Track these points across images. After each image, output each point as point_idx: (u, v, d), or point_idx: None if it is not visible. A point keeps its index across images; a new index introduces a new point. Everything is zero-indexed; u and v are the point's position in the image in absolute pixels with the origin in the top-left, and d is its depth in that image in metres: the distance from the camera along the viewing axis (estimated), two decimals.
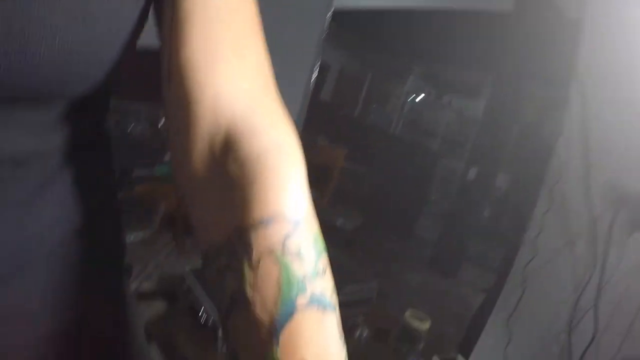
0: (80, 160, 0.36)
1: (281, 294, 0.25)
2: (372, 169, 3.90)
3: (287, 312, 0.25)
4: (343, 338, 0.27)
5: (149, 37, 0.35)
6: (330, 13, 1.82)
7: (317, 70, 1.89)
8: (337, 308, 0.27)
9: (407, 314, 1.31)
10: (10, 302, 0.33)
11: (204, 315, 1.19)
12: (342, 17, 2.45)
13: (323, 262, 0.28)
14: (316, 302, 0.26)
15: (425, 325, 1.30)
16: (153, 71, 0.34)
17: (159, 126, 1.68)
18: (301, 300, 0.25)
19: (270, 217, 0.26)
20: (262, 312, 0.25)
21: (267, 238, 0.26)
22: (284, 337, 0.25)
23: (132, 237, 1.38)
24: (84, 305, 0.39)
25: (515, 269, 1.65)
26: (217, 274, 0.28)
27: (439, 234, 3.91)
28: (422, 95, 6.72)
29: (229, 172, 0.28)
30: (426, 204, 4.84)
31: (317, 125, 3.38)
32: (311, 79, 1.87)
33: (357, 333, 1.32)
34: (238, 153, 0.28)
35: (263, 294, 0.25)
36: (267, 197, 0.27)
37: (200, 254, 0.30)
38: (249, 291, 0.26)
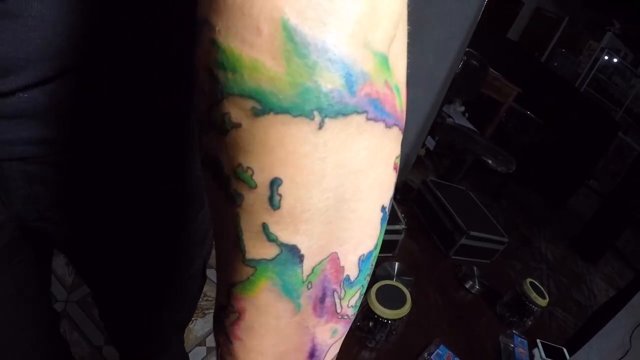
0: None
1: None
2: (541, 118, 3.50)
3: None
4: None
5: None
6: None
7: None
8: None
9: (527, 282, 1.18)
10: None
11: None
12: None
13: None
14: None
15: (542, 302, 1.17)
16: None
17: None
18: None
19: None
20: None
21: None
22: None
23: None
24: None
25: None
26: None
27: (593, 214, 3.50)
28: (616, 58, 5.88)
29: None
30: (589, 176, 4.29)
31: (488, 55, 3.06)
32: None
33: (468, 284, 1.26)
34: None
35: None
36: None
37: None
38: None
